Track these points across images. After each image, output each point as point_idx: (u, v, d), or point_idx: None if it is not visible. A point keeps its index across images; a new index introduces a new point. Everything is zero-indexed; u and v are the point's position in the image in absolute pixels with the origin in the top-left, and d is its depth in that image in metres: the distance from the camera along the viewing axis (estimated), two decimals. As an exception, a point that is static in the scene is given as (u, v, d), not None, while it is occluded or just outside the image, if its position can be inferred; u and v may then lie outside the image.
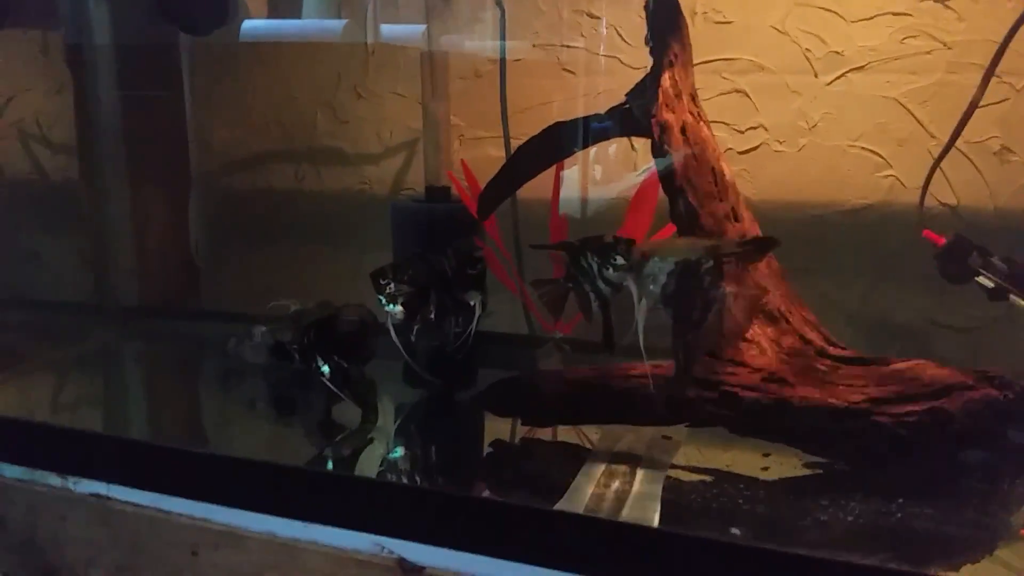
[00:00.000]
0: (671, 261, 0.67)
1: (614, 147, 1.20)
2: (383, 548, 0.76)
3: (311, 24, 1.33)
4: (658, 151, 0.86)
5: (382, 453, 0.90)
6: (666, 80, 0.87)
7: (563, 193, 1.11)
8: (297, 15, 1.32)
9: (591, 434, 0.91)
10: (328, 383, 0.97)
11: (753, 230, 0.86)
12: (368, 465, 0.88)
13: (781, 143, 1.16)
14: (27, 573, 0.91)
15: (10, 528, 0.90)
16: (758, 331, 0.81)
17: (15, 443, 0.90)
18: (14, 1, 1.33)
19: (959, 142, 1.04)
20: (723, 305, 0.65)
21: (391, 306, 0.95)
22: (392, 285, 0.95)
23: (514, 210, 1.21)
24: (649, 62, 0.92)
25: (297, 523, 0.79)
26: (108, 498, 0.86)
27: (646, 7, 0.92)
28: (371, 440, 0.94)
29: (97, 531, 0.86)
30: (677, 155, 0.82)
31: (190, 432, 1.05)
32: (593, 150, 1.16)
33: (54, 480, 0.88)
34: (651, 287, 0.67)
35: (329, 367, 0.97)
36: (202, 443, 1.01)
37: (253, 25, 1.31)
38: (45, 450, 0.89)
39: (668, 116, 0.86)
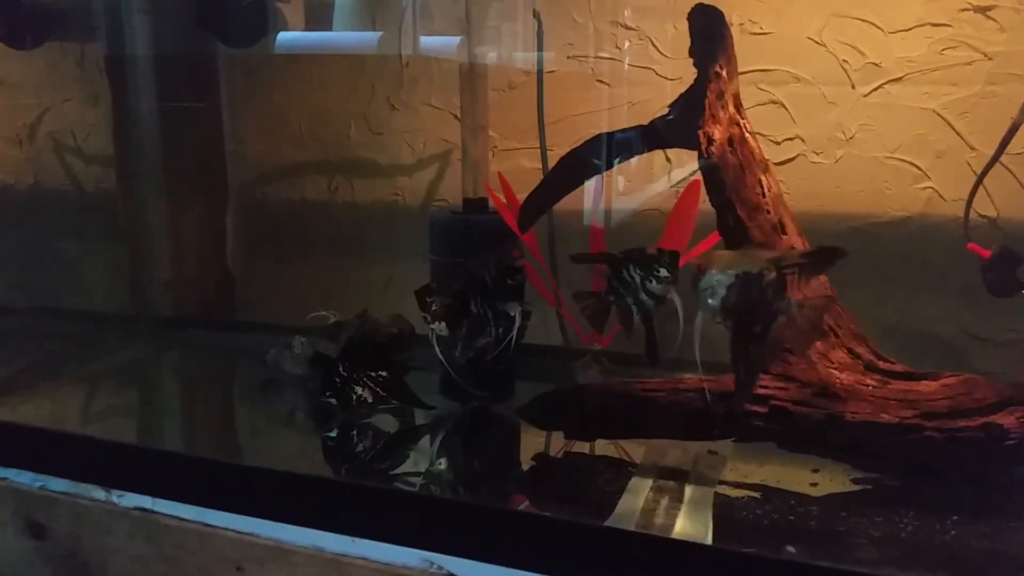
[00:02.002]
0: (731, 274, 0.66)
1: (648, 158, 1.19)
2: (432, 564, 0.75)
3: (346, 36, 1.33)
4: (704, 163, 0.85)
5: (426, 467, 0.90)
6: (712, 92, 0.86)
7: (590, 204, 1.11)
8: (332, 27, 1.32)
9: (635, 448, 0.90)
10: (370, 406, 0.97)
11: (799, 242, 0.85)
12: (413, 479, 0.87)
13: (818, 154, 1.16)
14: (71, 586, 0.91)
15: (54, 540, 0.90)
16: (808, 345, 0.80)
17: (60, 456, 0.91)
18: (57, 14, 1.34)
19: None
20: (788, 318, 0.64)
21: (436, 323, 0.95)
22: (436, 302, 0.95)
23: (550, 222, 1.21)
24: (686, 73, 0.91)
25: (345, 538, 0.78)
26: (153, 512, 0.86)
27: (689, 19, 0.91)
28: (415, 453, 0.94)
29: (141, 545, 0.86)
30: (726, 168, 0.82)
31: (231, 444, 1.05)
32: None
33: (99, 493, 0.88)
34: (709, 300, 0.66)
35: (369, 388, 0.97)
36: (244, 455, 1.01)
37: (289, 37, 1.31)
38: (90, 463, 0.89)
39: (714, 128, 0.85)
